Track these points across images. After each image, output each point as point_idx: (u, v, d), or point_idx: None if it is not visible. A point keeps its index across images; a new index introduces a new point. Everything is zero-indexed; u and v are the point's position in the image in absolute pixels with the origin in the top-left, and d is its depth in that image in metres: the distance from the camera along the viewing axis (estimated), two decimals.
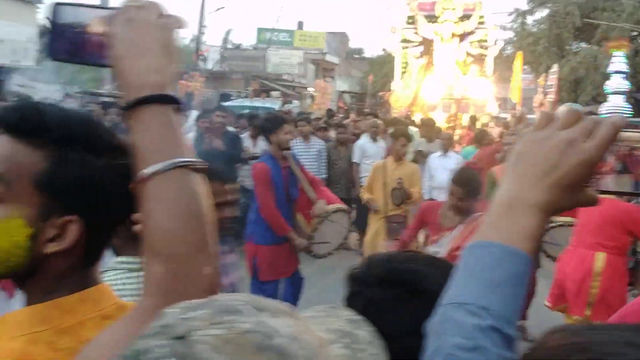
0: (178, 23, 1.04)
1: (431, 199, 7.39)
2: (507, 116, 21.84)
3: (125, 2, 1.01)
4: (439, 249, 4.51)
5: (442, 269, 1.25)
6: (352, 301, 1.29)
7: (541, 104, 21.68)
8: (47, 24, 1.04)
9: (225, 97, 23.91)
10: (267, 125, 5.79)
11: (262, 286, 5.56)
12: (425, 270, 1.26)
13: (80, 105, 14.04)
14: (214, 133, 8.86)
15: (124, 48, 0.97)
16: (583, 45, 33.95)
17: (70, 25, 1.02)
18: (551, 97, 21.12)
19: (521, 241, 0.84)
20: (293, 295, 5.79)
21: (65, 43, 1.03)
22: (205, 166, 0.98)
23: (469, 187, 4.54)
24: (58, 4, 1.03)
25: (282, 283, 5.71)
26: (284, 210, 5.53)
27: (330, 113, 18.39)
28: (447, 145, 9.21)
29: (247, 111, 16.97)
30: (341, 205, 5.99)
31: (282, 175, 5.56)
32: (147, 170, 0.92)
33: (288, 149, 5.70)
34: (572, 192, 0.87)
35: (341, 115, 19.72)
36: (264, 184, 5.45)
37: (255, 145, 9.44)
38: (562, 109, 0.91)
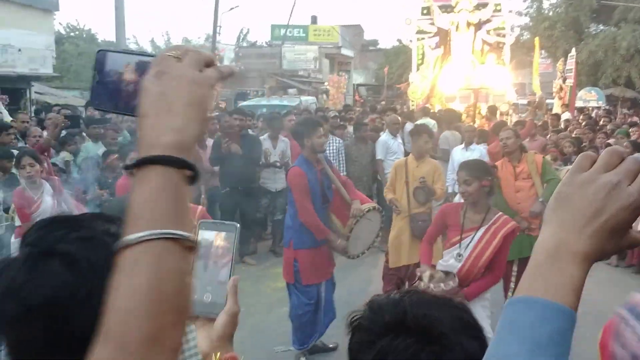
0: (222, 75, 0.97)
1: (456, 192, 7.37)
2: (525, 102, 21.68)
3: (166, 50, 0.96)
4: (460, 251, 4.51)
5: (454, 309, 1.22)
6: (361, 352, 1.22)
7: (560, 89, 21.45)
8: (93, 72, 1.01)
9: (243, 96, 24.03)
10: (301, 129, 5.81)
11: (305, 289, 5.64)
12: (437, 314, 1.20)
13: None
14: (231, 137, 8.84)
15: (148, 104, 0.91)
16: (601, 27, 33.51)
17: (112, 73, 1.00)
18: (570, 81, 20.88)
19: (566, 295, 0.82)
20: (331, 296, 5.91)
21: (107, 92, 1.00)
22: (195, 244, 0.88)
23: (471, 168, 4.65)
24: (101, 50, 1.01)
25: (322, 286, 5.77)
26: (321, 213, 5.60)
27: (347, 108, 18.36)
28: (470, 137, 9.16)
29: (264, 110, 17.01)
30: (374, 204, 6.08)
31: (318, 179, 5.62)
32: (127, 238, 0.83)
33: (322, 151, 5.76)
34: (617, 237, 0.84)
35: (358, 109, 19.70)
36: (301, 189, 5.50)
37: (275, 147, 9.42)
38: (608, 150, 0.87)
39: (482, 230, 4.51)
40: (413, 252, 6.33)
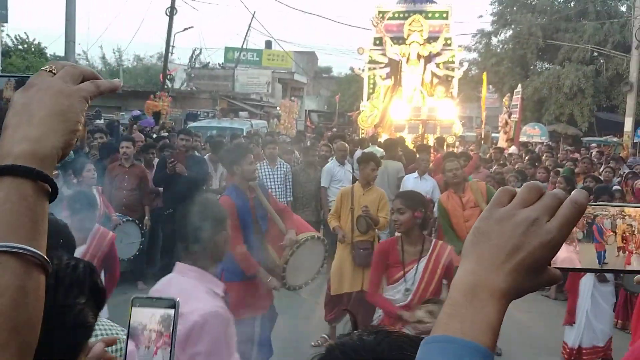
0: (99, 89, 0.96)
1: None
2: (473, 135, 22.17)
3: (45, 66, 0.95)
4: (407, 285, 4.49)
5: None
6: None
7: (506, 123, 22.02)
8: None
9: (193, 117, 23.79)
10: (230, 156, 5.48)
11: (238, 324, 5.29)
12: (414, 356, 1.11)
13: None
14: (177, 157, 8.72)
15: (11, 115, 0.89)
16: (546, 65, 34.68)
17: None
18: (515, 116, 21.47)
19: (483, 334, 0.79)
20: (269, 330, 5.47)
21: None
22: (44, 261, 0.83)
23: (405, 198, 4.64)
24: None
25: (257, 320, 5.28)
26: (253, 244, 5.17)
27: (299, 135, 18.40)
28: (424, 168, 9.23)
29: (214, 132, 16.89)
30: (312, 233, 5.65)
31: (249, 208, 5.23)
32: None
33: (253, 179, 5.39)
34: (536, 274, 0.82)
35: (309, 135, 19.78)
36: (229, 219, 5.15)
37: (216, 170, 9.34)
38: (527, 185, 0.87)
39: (424, 261, 4.51)
40: (355, 280, 6.33)
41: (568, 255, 0.89)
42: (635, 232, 0.90)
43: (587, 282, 6.67)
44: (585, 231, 0.90)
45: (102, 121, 16.48)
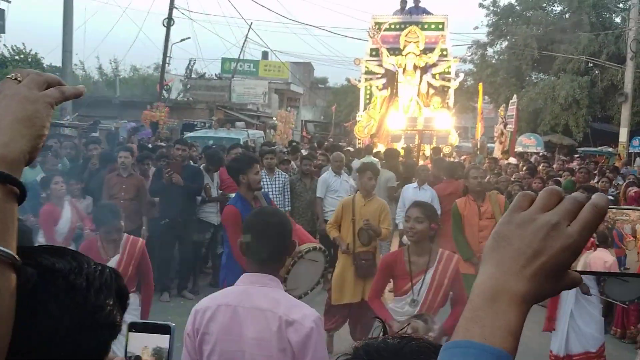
0: (64, 94, 0.99)
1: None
2: (469, 145, 22.24)
3: (10, 74, 0.99)
4: (414, 296, 4.49)
5: None
6: None
7: (501, 133, 22.10)
8: None
9: (189, 127, 23.78)
10: (236, 165, 5.56)
11: None
12: None
13: None
14: (174, 167, 8.72)
15: None
16: (541, 76, 34.82)
17: None
18: (511, 127, 21.54)
19: (504, 339, 0.79)
20: None
21: None
22: (15, 260, 0.85)
23: (425, 208, 4.64)
24: None
25: None
26: None
27: (292, 144, 18.43)
28: (423, 177, 9.25)
29: (211, 142, 16.88)
30: (315, 244, 5.55)
31: None
32: None
33: (259, 189, 5.48)
34: (556, 278, 0.82)
35: (305, 144, 19.82)
36: (235, 228, 5.03)
37: (213, 180, 9.36)
38: (547, 189, 0.87)
39: (431, 271, 4.50)
40: (356, 291, 6.34)
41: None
42: None
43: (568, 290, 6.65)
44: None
45: (97, 134, 16.45)
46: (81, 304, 0.87)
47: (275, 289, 2.66)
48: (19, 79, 0.97)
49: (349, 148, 17.52)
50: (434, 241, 4.78)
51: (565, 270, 0.83)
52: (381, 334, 1.28)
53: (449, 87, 20.23)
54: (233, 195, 7.29)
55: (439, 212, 9.00)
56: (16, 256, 0.85)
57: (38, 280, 0.89)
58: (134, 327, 1.12)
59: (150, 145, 13.79)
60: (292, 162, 11.82)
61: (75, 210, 7.23)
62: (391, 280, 4.82)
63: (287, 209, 9.02)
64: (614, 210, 0.89)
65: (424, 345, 1.15)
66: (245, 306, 2.54)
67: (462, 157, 16.40)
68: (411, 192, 8.69)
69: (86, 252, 4.84)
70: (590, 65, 30.62)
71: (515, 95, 24.01)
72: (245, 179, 5.33)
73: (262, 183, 8.76)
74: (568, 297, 6.63)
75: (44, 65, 28.36)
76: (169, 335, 1.11)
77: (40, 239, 6.60)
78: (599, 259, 5.16)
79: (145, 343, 1.10)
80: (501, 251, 0.83)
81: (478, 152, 14.21)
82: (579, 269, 0.87)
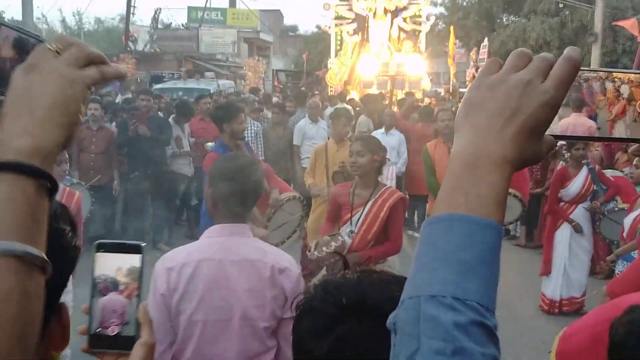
0: (104, 76, 0.87)
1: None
2: (441, 90, 22.18)
3: (51, 40, 0.86)
4: (352, 227, 4.56)
5: None
6: (314, 338, 1.08)
7: (473, 77, 22.06)
8: None
9: (158, 79, 23.37)
10: (221, 113, 5.67)
11: None
12: (398, 295, 1.06)
13: None
14: (139, 119, 8.58)
15: (10, 101, 0.81)
16: (512, 18, 34.69)
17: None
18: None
19: (491, 207, 0.74)
20: None
21: None
22: (46, 264, 0.79)
23: (365, 141, 4.70)
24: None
25: None
26: None
27: (254, 91, 18.21)
28: (390, 122, 9.24)
29: (180, 93, 16.63)
30: (294, 194, 5.90)
31: None
32: None
33: (242, 138, 5.63)
34: (535, 140, 0.78)
35: (277, 94, 19.60)
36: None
37: (184, 131, 9.26)
38: (515, 51, 0.84)
39: (370, 204, 4.54)
40: None
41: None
42: (622, 97, 0.87)
43: (563, 233, 6.77)
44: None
45: None
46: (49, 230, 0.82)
47: (255, 239, 2.64)
48: (59, 51, 0.84)
49: (323, 94, 17.41)
50: (380, 174, 4.82)
51: (543, 132, 0.79)
52: (342, 268, 1.26)
53: (420, 31, 20.03)
54: (209, 143, 7.24)
55: (404, 154, 9.15)
56: (47, 259, 0.78)
57: None
58: (103, 247, 1.05)
59: (118, 102, 13.47)
60: (266, 111, 11.70)
61: None
62: None
63: (261, 158, 8.95)
64: (585, 71, 0.86)
65: (384, 278, 1.13)
66: (232, 259, 2.49)
67: (428, 101, 16.30)
68: (379, 138, 8.67)
69: None
70: (561, 5, 30.52)
71: (486, 39, 23.90)
72: (229, 127, 5.46)
73: None
74: (562, 240, 6.73)
75: (5, 19, 27.45)
76: (141, 255, 1.06)
77: None
78: (580, 125, 5.19)
79: (117, 264, 1.05)
80: (475, 116, 0.78)
81: (450, 97, 14.16)
82: (557, 133, 0.84)
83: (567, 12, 30.45)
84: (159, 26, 35.22)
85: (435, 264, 0.73)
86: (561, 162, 7.68)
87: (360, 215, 4.54)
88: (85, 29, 42.48)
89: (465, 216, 0.73)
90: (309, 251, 4.49)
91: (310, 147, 8.59)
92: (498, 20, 34.34)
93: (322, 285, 1.13)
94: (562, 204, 6.84)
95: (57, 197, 3.25)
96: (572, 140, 5.27)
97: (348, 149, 6.62)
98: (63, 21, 42.58)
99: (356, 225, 4.53)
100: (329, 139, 7.43)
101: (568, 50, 0.81)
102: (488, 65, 0.82)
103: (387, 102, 15.33)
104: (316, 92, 18.37)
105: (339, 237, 4.44)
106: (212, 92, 16.28)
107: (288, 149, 9.48)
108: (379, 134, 8.93)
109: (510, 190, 0.85)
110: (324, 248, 4.35)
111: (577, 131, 0.89)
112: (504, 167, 0.76)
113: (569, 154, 6.99)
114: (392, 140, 8.35)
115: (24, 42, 0.88)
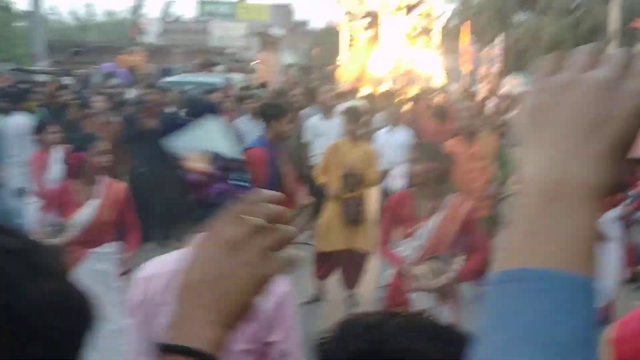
0: (282, 267, 0.77)
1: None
2: (456, 87, 21.94)
3: (233, 209, 0.76)
4: (417, 242, 4.17)
5: (451, 344, 0.96)
6: None
7: (486, 75, 21.80)
8: None
9: (168, 72, 23.22)
10: (270, 111, 5.75)
11: None
12: (424, 346, 0.94)
13: (13, 82, 13.19)
14: (148, 112, 8.39)
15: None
16: (525, 15, 34.45)
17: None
18: (498, 65, 21.19)
19: (582, 257, 0.53)
20: None
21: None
22: None
23: (422, 149, 4.29)
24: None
25: None
26: None
27: (263, 86, 17.99)
28: (395, 119, 8.98)
29: (191, 87, 16.47)
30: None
31: (275, 166, 5.49)
32: None
33: (284, 139, 5.83)
34: (620, 159, 0.57)
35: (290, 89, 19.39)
36: (262, 168, 5.20)
37: None
38: (581, 48, 0.63)
39: (435, 217, 4.10)
40: (343, 238, 6.15)
41: None
42: None
43: None
44: None
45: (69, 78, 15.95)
46: None
47: None
48: (251, 225, 0.74)
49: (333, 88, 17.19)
50: (445, 183, 4.36)
51: (631, 144, 0.57)
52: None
53: (432, 28, 19.84)
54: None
55: None
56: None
57: None
58: None
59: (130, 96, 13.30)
60: None
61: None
62: None
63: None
64: None
65: (413, 323, 1.00)
66: None
67: (440, 99, 16.11)
68: (384, 137, 8.43)
69: (58, 196, 4.51)
70: (573, 6, 30.27)
71: (501, 34, 23.63)
72: (277, 126, 5.57)
73: (245, 128, 8.55)
74: None
75: (13, 10, 27.41)
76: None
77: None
78: None
79: None
80: (547, 127, 0.57)
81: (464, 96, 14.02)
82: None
83: (583, 10, 30.21)
84: (169, 19, 35.13)
85: (515, 346, 0.51)
86: None
87: (426, 229, 4.11)
88: (96, 21, 42.41)
89: (549, 273, 0.52)
90: (417, 280, 4.02)
91: (323, 144, 8.38)
92: (508, 20, 34.09)
93: (341, 326, 1.02)
94: None
95: (102, 189, 3.05)
96: None
97: (361, 147, 6.47)
98: (73, 13, 42.50)
99: (422, 240, 4.11)
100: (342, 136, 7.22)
101: None
102: (546, 64, 0.62)
103: (399, 99, 15.15)
104: (329, 87, 18.19)
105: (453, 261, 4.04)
106: (221, 85, 16.11)
107: (296, 145, 9.22)
108: (382, 133, 8.70)
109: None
110: (443, 278, 3.96)
111: None
112: (591, 199, 0.55)
113: None
114: (397, 138, 8.10)
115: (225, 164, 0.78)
